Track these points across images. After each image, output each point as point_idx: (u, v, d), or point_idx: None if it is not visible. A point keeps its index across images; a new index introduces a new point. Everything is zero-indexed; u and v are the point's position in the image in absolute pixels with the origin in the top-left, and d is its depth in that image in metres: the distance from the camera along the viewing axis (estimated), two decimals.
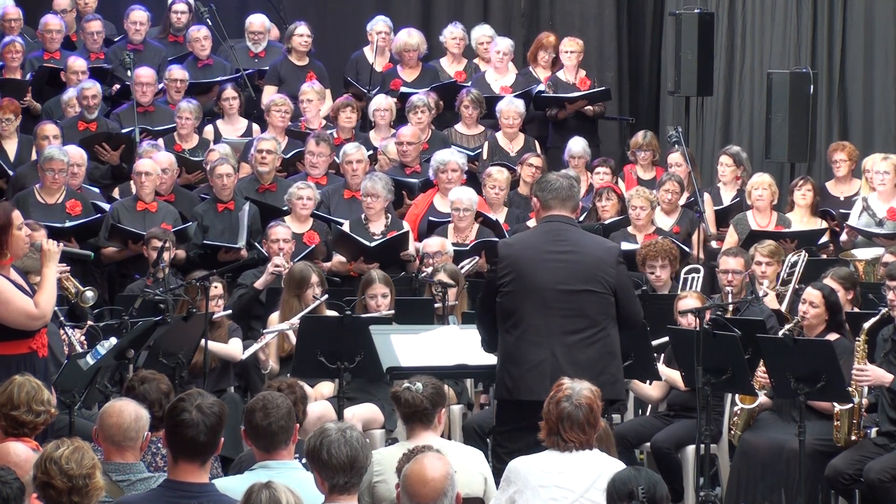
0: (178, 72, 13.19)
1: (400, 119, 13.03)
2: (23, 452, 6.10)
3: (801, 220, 11.83)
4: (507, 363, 7.41)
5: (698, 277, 10.85)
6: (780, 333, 8.88)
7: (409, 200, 12.12)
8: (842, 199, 12.10)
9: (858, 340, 8.61)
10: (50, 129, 12.08)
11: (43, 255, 7.75)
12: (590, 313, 7.39)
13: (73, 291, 9.42)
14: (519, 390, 7.35)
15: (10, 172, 11.97)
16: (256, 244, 11.19)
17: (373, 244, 11.14)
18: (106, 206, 11.55)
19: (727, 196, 12.43)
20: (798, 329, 8.90)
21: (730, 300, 9.81)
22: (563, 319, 7.36)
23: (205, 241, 11.35)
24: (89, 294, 9.26)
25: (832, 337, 8.80)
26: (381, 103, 13.01)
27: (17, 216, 7.69)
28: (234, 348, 9.87)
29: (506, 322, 7.43)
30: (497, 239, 10.68)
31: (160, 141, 12.42)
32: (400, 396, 6.67)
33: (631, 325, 7.62)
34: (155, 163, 11.59)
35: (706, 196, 12.20)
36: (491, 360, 7.62)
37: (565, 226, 7.54)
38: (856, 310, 9.57)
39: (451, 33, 13.98)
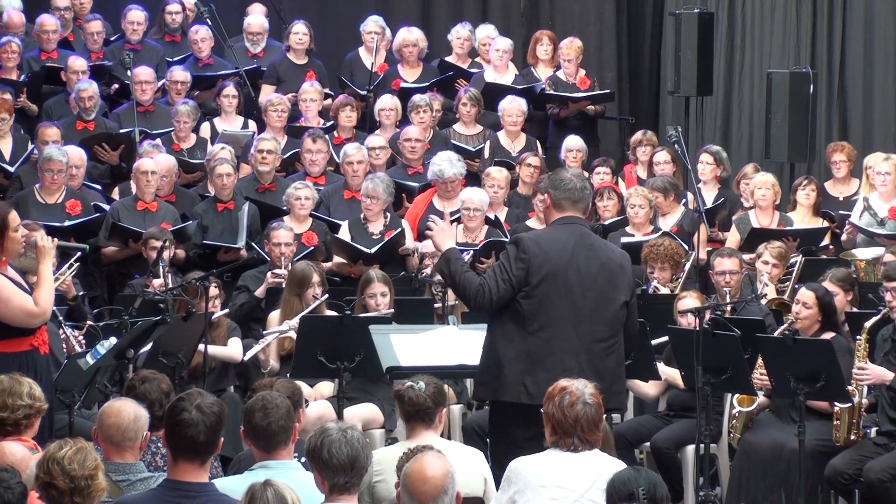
0: (179, 73, 13.16)
1: (405, 119, 13.02)
2: (18, 452, 6.06)
3: (802, 219, 11.82)
4: (533, 367, 7.16)
5: (687, 264, 10.86)
6: (778, 333, 8.88)
7: (409, 203, 12.12)
8: (841, 199, 12.09)
9: (859, 339, 8.61)
10: (52, 132, 12.00)
11: (38, 252, 7.75)
12: (613, 322, 7.27)
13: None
14: (543, 395, 7.09)
15: (11, 169, 11.94)
16: (255, 244, 11.17)
17: (372, 250, 11.11)
18: (106, 207, 11.54)
19: (709, 196, 12.31)
20: (794, 330, 8.89)
21: (727, 301, 9.81)
22: (593, 326, 7.21)
23: (204, 241, 11.34)
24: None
25: (828, 336, 8.79)
26: (387, 103, 13.00)
27: (13, 218, 7.67)
28: (233, 350, 9.86)
29: (530, 324, 7.19)
30: (506, 240, 10.56)
31: (159, 140, 12.40)
32: (403, 395, 6.66)
33: (632, 335, 7.53)
34: (156, 163, 11.59)
35: (689, 196, 12.13)
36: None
37: (587, 230, 7.40)
38: (855, 310, 9.57)
39: (458, 33, 14.00)
